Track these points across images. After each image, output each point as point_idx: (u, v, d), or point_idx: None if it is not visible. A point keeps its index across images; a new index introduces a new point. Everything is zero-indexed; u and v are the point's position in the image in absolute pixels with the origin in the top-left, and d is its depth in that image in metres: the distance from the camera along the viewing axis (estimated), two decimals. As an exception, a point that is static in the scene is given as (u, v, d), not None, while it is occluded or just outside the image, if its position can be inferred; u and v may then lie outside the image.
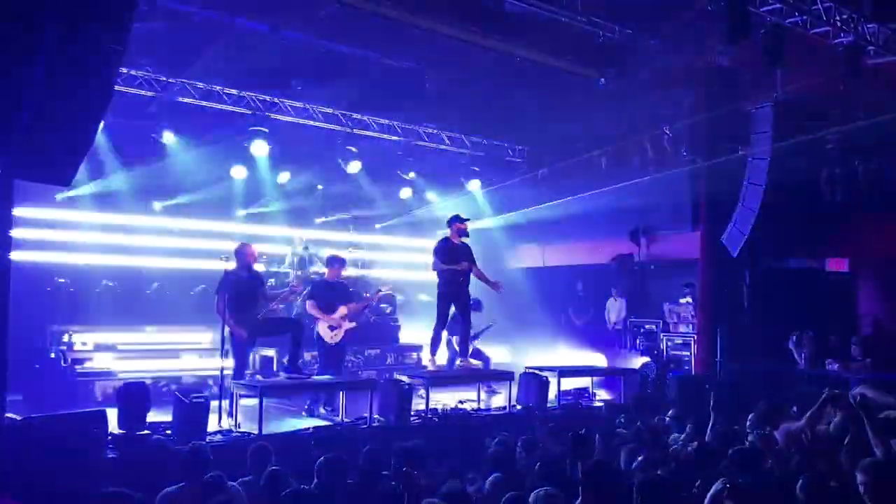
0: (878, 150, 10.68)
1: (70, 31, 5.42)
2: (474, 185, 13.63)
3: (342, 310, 8.44)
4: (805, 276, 11.37)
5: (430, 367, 9.05)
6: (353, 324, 8.60)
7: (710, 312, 10.80)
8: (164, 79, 10.22)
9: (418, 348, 11.43)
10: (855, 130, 10.82)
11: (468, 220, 8.94)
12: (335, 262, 8.74)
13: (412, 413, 7.86)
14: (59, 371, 8.96)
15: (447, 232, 8.91)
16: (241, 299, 7.70)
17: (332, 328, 8.39)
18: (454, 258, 8.67)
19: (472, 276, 8.86)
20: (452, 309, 8.94)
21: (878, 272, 11.48)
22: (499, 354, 11.29)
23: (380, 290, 9.38)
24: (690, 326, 11.31)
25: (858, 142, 10.89)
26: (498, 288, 8.95)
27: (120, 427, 6.47)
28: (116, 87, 7.48)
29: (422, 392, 8.25)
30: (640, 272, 12.51)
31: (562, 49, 10.28)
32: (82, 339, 9.42)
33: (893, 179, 10.49)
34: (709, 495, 3.75)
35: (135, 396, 6.74)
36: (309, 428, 7.27)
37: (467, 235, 8.86)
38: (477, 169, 13.59)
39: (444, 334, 9.26)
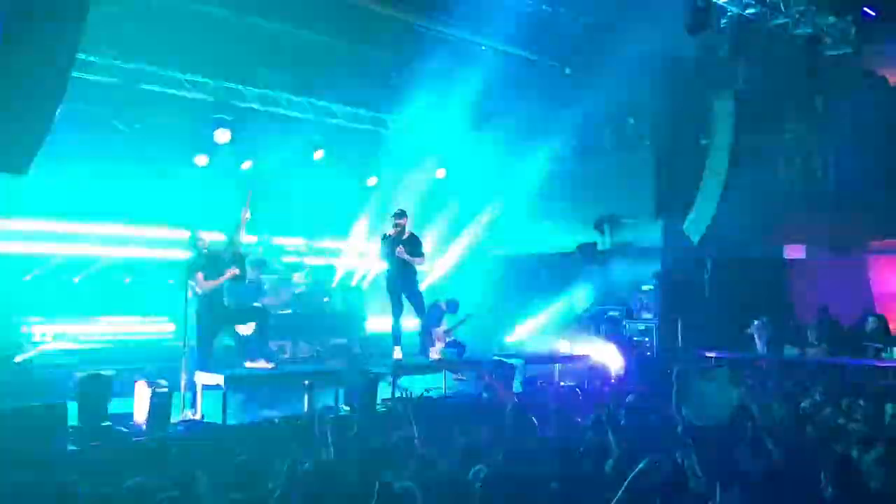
0: (834, 139, 10.93)
1: (25, 17, 5.30)
2: (441, 173, 13.65)
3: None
4: (763, 263, 11.60)
5: (397, 357, 9.12)
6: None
7: (671, 300, 10.98)
8: (125, 65, 10.06)
9: (385, 338, 11.42)
10: (813, 121, 11.08)
11: (398, 217, 8.96)
12: (257, 265, 9.67)
13: (378, 403, 7.88)
14: (18, 363, 8.79)
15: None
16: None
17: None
18: (389, 246, 8.80)
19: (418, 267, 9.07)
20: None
21: (833, 259, 11.77)
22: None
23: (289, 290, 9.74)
24: (652, 313, 11.49)
25: (816, 132, 11.14)
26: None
27: (80, 420, 6.38)
28: (75, 74, 7.35)
29: (389, 381, 8.29)
30: (603, 260, 12.65)
31: (527, 40, 10.33)
32: (41, 331, 9.26)
33: (849, 169, 10.74)
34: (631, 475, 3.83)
35: (96, 388, 6.65)
36: (275, 419, 7.25)
37: (401, 229, 8.91)
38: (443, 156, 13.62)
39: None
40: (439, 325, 10.42)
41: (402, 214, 8.85)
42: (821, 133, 11.01)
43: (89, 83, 9.77)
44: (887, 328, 10.19)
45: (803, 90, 11.01)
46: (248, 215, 8.09)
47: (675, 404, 5.27)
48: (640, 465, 3.83)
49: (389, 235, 8.84)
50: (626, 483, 3.77)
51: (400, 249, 8.67)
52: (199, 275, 7.53)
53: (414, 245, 8.88)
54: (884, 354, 9.32)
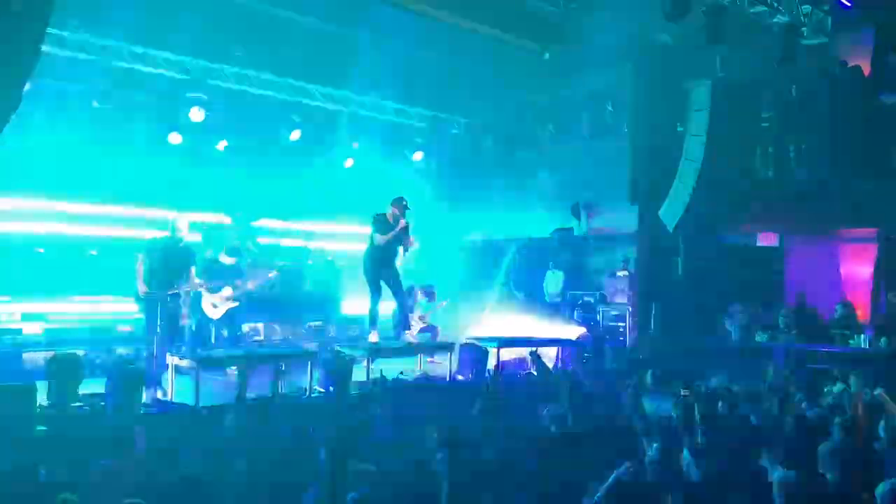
0: (809, 128, 11.03)
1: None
2: (418, 156, 13.61)
3: (227, 290, 9.18)
4: (737, 250, 11.72)
5: (373, 340, 9.12)
6: (236, 303, 9.31)
7: (646, 285, 11.07)
8: (99, 41, 9.87)
9: (361, 321, 11.41)
10: (788, 109, 11.17)
11: (405, 204, 8.97)
12: (232, 252, 9.72)
13: (353, 385, 7.87)
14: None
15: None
16: (163, 270, 7.52)
17: (214, 305, 9.12)
18: (385, 230, 8.84)
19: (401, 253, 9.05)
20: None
21: (805, 247, 11.93)
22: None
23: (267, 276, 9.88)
24: (626, 299, 11.58)
25: (791, 120, 11.23)
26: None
27: (49, 400, 6.31)
28: (45, 49, 7.19)
29: (364, 364, 8.28)
30: (579, 245, 12.71)
31: (507, 22, 10.29)
32: (9, 310, 9.11)
33: (822, 157, 10.86)
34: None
35: (66, 368, 6.58)
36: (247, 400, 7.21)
37: (403, 218, 8.92)
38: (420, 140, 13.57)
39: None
40: (414, 311, 10.45)
41: (403, 202, 8.92)
42: (796, 121, 11.09)
43: (61, 58, 9.59)
44: (854, 315, 10.38)
45: (779, 79, 11.09)
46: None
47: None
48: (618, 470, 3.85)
49: (387, 219, 8.88)
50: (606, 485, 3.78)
51: (411, 240, 8.81)
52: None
53: (408, 233, 8.95)
54: (850, 341, 9.50)
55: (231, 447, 4.82)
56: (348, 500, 3.74)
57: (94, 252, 10.68)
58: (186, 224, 7.78)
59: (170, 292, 7.42)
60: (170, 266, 7.53)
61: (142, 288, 7.41)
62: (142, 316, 7.61)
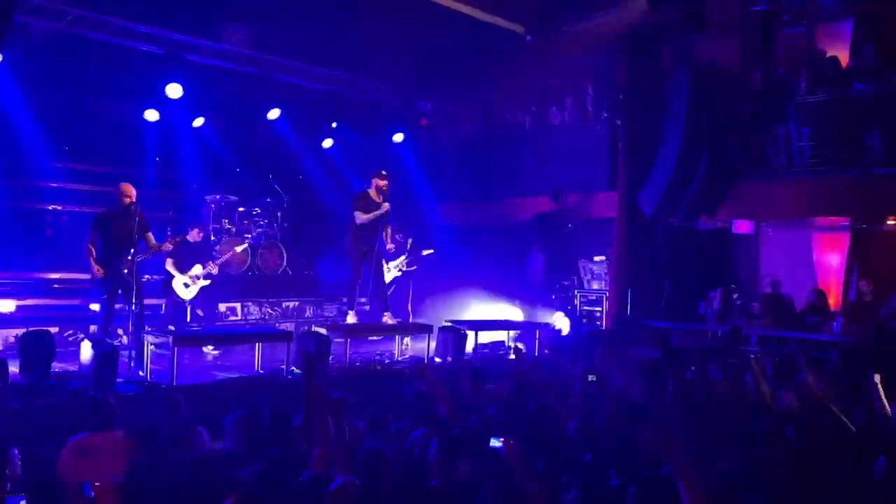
0: (785, 116, 11.12)
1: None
2: (398, 138, 13.53)
3: (197, 268, 8.91)
4: (713, 236, 11.83)
5: (351, 321, 9.13)
6: (208, 281, 9.05)
7: (623, 270, 11.15)
8: (73, 12, 9.66)
9: (338, 301, 11.39)
10: (766, 97, 11.25)
11: (387, 175, 8.96)
12: (196, 226, 9.47)
13: (330, 365, 7.86)
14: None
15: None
16: (116, 241, 7.41)
17: (186, 285, 8.87)
18: (368, 210, 8.79)
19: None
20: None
21: (779, 234, 12.07)
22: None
23: (234, 251, 9.77)
24: (603, 283, 11.67)
25: (769, 108, 11.31)
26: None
27: (22, 377, 6.24)
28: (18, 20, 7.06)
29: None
30: (559, 230, 12.75)
31: (489, 3, 10.25)
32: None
33: (798, 146, 10.95)
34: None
35: (38, 345, 6.49)
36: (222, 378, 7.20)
37: (386, 192, 8.91)
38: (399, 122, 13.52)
39: None
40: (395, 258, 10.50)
41: (384, 172, 8.88)
42: (773, 109, 11.17)
43: (33, 29, 9.38)
44: (826, 303, 10.54)
45: (759, 67, 11.15)
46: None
47: None
48: None
49: (369, 196, 8.83)
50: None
51: (414, 242, 8.99)
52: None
53: (389, 217, 8.94)
54: (822, 328, 9.66)
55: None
56: None
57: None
58: (131, 190, 7.58)
59: (133, 260, 7.29)
60: (125, 234, 7.38)
61: (97, 270, 7.31)
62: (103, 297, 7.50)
